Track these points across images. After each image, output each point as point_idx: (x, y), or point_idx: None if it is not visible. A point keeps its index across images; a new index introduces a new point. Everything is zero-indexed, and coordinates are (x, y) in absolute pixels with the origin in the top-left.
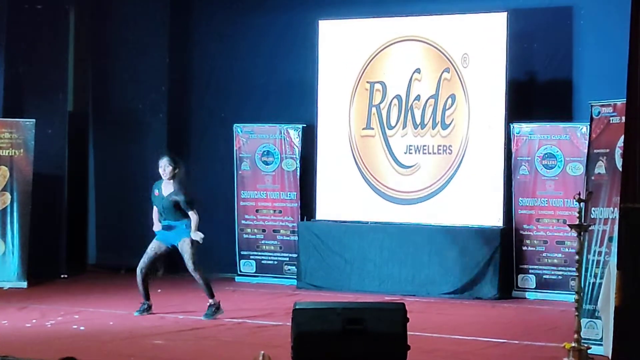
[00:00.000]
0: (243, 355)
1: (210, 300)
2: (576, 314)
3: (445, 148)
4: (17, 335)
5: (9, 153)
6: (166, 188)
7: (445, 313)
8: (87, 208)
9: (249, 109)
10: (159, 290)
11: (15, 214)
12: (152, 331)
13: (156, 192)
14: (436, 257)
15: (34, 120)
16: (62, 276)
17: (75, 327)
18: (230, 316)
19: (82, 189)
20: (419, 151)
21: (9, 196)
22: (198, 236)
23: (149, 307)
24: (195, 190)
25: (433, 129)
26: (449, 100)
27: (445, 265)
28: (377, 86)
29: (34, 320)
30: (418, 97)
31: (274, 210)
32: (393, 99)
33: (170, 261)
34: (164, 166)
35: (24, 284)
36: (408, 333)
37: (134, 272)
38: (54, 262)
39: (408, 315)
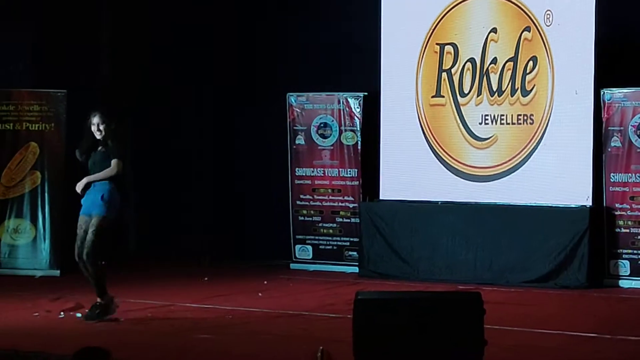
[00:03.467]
0: (300, 351)
1: (99, 299)
2: None
3: (525, 117)
4: (50, 327)
5: (39, 127)
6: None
7: (527, 304)
8: (125, 187)
9: (303, 76)
10: (205, 279)
11: (46, 195)
12: (198, 324)
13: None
14: (516, 241)
15: (65, 91)
16: (99, 263)
17: (112, 319)
18: (285, 308)
19: None
20: (496, 121)
21: (40, 175)
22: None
23: (106, 308)
24: (240, 166)
25: (512, 96)
26: (530, 64)
27: (527, 251)
28: (448, 48)
29: (70, 313)
30: (494, 61)
31: (333, 190)
32: (466, 62)
33: (217, 248)
34: (97, 124)
35: (57, 272)
36: (485, 326)
37: (180, 260)
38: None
39: (485, 307)
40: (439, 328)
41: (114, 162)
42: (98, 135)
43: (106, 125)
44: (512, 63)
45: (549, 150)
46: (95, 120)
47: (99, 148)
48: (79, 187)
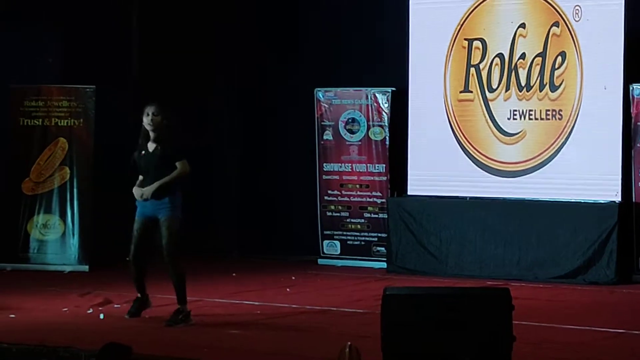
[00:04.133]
0: (327, 346)
1: (179, 306)
2: None
3: (554, 113)
4: (79, 323)
5: (67, 123)
6: (152, 145)
7: (555, 300)
8: None
9: (331, 71)
10: (234, 274)
11: (75, 190)
12: (226, 320)
13: (142, 153)
14: (545, 236)
15: (94, 86)
16: (128, 259)
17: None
18: (313, 303)
19: None
20: (525, 116)
21: (69, 171)
22: (138, 192)
23: (145, 303)
24: (268, 161)
25: (540, 91)
26: (559, 59)
27: (555, 246)
28: (476, 44)
29: (99, 308)
30: (523, 56)
31: (361, 185)
32: (494, 58)
33: (245, 243)
34: (151, 113)
35: (86, 268)
36: (513, 322)
37: (209, 255)
38: (118, 243)
39: (513, 302)
40: (468, 324)
41: (180, 163)
42: (149, 127)
43: (160, 117)
44: (540, 58)
45: (577, 145)
46: (150, 110)
47: (154, 148)
48: (148, 192)
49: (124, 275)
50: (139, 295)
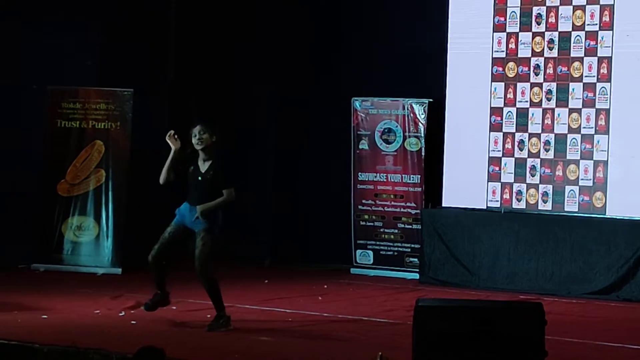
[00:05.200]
0: (359, 356)
1: (217, 312)
2: None
3: None
4: (110, 325)
5: (104, 126)
6: (203, 164)
7: (588, 315)
8: None
9: (368, 80)
10: (266, 281)
11: (110, 193)
12: (257, 326)
13: (191, 168)
14: (579, 251)
15: (132, 90)
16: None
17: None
18: (345, 312)
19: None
20: None
21: (104, 173)
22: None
23: (163, 300)
24: (303, 169)
25: None
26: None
27: (589, 262)
28: None
29: (130, 311)
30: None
31: (395, 195)
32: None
33: (278, 250)
34: (199, 132)
35: (119, 270)
36: (545, 337)
37: (241, 262)
38: (152, 247)
39: (546, 317)
40: (500, 337)
41: (227, 191)
42: (198, 146)
43: (208, 135)
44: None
45: (613, 162)
46: (196, 129)
47: (206, 170)
48: (201, 214)
49: None
50: (158, 291)
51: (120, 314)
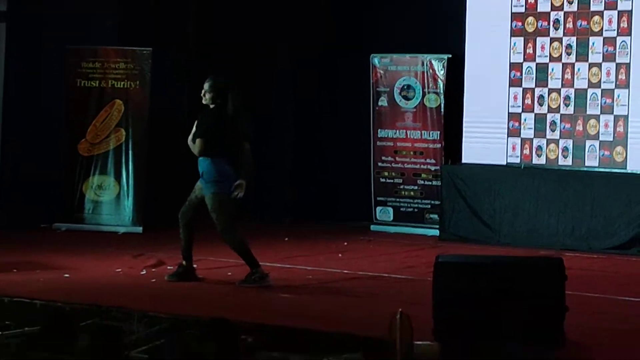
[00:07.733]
0: (378, 312)
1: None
2: None
3: None
4: (132, 284)
5: (124, 85)
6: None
7: (609, 270)
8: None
9: (387, 37)
10: (286, 239)
11: (130, 152)
12: (278, 284)
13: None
14: (599, 207)
15: (151, 49)
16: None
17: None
18: (364, 269)
19: None
20: None
21: (124, 132)
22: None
23: (187, 274)
24: (322, 126)
25: None
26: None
27: (610, 217)
28: None
29: (152, 270)
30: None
31: (415, 152)
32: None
33: (298, 208)
34: (204, 91)
35: (139, 229)
36: (566, 292)
37: (261, 219)
38: (172, 205)
39: (566, 273)
40: (520, 293)
41: (197, 141)
42: (204, 101)
43: (211, 96)
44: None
45: (633, 116)
46: (205, 85)
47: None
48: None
49: (178, 237)
50: (183, 262)
51: (142, 272)
